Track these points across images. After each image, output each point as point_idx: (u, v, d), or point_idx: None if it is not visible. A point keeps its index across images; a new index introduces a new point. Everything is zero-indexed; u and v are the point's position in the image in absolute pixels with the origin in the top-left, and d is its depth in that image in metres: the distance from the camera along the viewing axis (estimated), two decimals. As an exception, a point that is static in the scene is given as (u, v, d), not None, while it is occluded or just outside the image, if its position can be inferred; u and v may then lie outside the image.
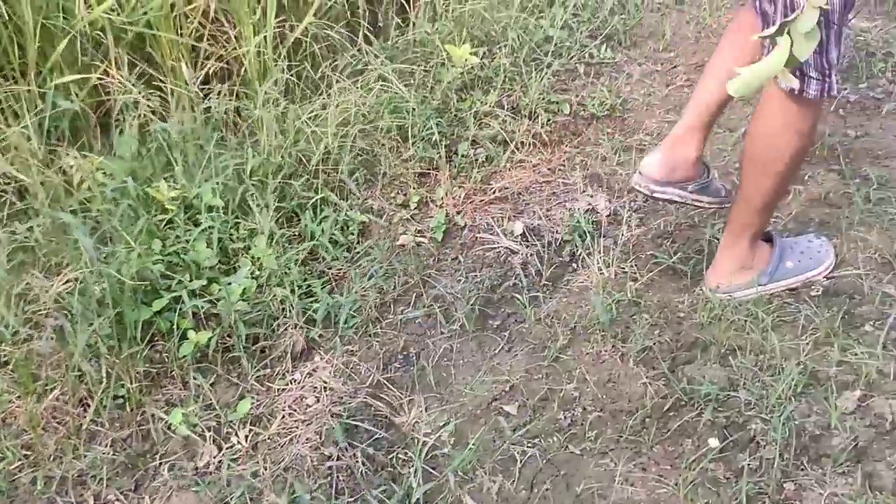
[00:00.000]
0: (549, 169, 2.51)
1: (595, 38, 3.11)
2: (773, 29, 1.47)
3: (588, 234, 2.24)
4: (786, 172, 1.78)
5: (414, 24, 2.78)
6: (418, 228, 2.31)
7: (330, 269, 2.17)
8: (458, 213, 2.34)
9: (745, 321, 1.91)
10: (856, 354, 1.79)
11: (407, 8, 2.82)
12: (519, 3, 2.98)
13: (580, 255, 2.21)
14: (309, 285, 2.09)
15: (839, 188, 2.37)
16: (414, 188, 2.39)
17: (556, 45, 2.99)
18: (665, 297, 2.06)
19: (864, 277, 2.01)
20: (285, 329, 1.97)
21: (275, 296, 1.98)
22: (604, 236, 2.27)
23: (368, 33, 2.71)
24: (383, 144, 2.46)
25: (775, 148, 1.76)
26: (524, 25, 2.93)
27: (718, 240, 2.03)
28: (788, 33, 1.44)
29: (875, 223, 2.20)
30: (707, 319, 1.93)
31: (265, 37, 2.39)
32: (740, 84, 1.49)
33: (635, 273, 2.13)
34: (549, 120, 2.68)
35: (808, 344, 1.84)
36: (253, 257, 2.06)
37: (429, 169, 2.47)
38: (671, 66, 3.04)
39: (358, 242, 2.23)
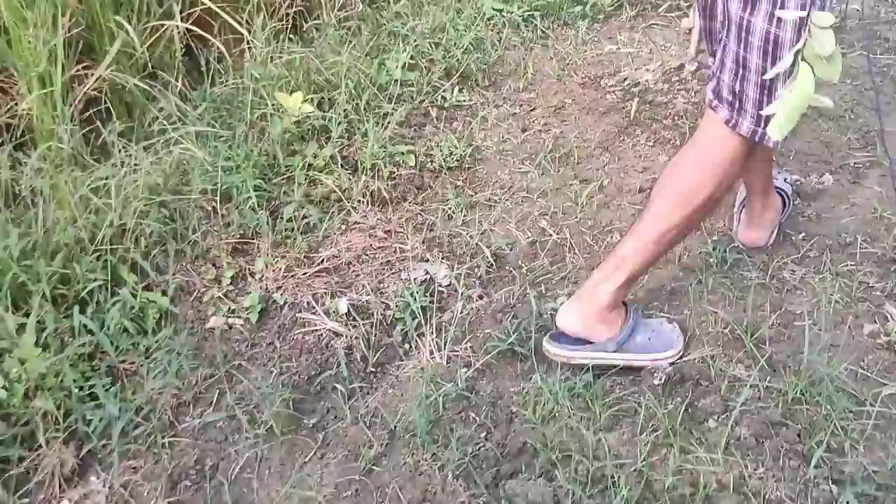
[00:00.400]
0: (386, 232, 2.26)
1: (450, 77, 2.89)
2: (786, 61, 1.44)
3: (422, 311, 2.01)
4: (696, 211, 1.69)
5: (230, 71, 2.50)
6: (232, 308, 2.04)
7: (122, 363, 1.87)
8: (279, 288, 2.08)
9: (580, 418, 1.70)
10: (696, 458, 1.60)
11: (225, 55, 2.53)
12: (361, 43, 2.73)
13: (412, 335, 1.97)
14: (92, 386, 1.79)
15: (696, 247, 2.20)
16: (229, 261, 2.12)
17: (405, 87, 2.76)
18: (500, 386, 1.84)
19: (713, 359, 1.83)
20: (52, 445, 1.67)
21: (37, 407, 1.67)
22: (441, 311, 2.05)
23: (185, 83, 2.42)
24: (198, 209, 2.17)
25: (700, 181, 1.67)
26: (366, 68, 2.68)
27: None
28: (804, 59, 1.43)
29: (729, 290, 2.03)
30: (538, 417, 1.72)
31: (52, 91, 2.08)
32: (779, 127, 1.46)
33: (470, 357, 1.91)
34: (391, 174, 2.44)
35: (646, 445, 1.64)
36: (20, 359, 1.75)
37: (249, 237, 2.20)
38: (530, 108, 2.84)
39: (157, 329, 1.94)
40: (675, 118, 2.64)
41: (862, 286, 2.04)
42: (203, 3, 2.46)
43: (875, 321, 1.94)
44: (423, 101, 2.79)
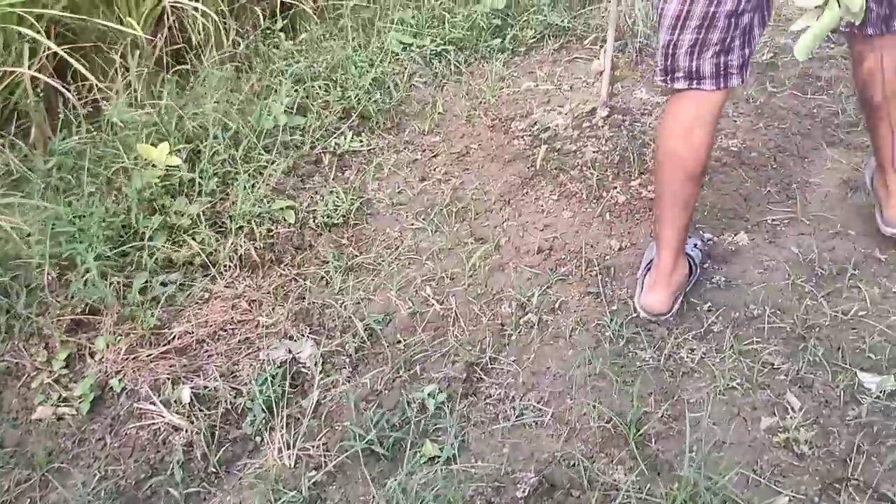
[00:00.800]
0: (251, 302, 2.05)
1: (348, 119, 2.68)
2: None
3: (278, 398, 1.79)
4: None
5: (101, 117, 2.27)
6: (63, 396, 1.81)
7: (-77, 466, 1.64)
8: (118, 372, 1.85)
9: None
10: None
11: (83, 103, 2.30)
12: (246, 85, 2.52)
13: (262, 428, 1.75)
14: None
15: (593, 318, 2.00)
16: (64, 339, 1.89)
17: (295, 133, 2.54)
18: (350, 493, 1.62)
19: (591, 461, 1.63)
20: None
21: None
22: (303, 396, 1.83)
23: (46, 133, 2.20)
24: (35, 280, 1.95)
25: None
26: (248, 113, 2.46)
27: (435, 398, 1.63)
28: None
29: (618, 374, 1.83)
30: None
31: None
32: (804, 48, 1.59)
33: (322, 457, 1.69)
34: (268, 232, 2.23)
35: (499, 576, 1.43)
36: None
37: (94, 311, 1.97)
38: (432, 153, 2.64)
39: (-31, 424, 1.71)
40: (583, 168, 2.44)
41: (766, 368, 1.85)
42: (72, 40, 2.23)
43: (774, 413, 1.74)
44: (315, 146, 2.57)
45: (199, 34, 2.41)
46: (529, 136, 2.63)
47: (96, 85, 2.19)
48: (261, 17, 2.69)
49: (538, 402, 1.78)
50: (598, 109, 2.54)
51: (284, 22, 2.83)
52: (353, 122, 2.70)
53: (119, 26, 2.21)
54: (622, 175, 2.43)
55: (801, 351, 1.89)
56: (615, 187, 2.40)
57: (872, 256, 2.14)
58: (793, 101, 2.85)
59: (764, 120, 2.73)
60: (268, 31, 2.75)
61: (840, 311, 1.98)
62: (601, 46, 2.73)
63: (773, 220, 2.32)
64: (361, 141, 2.64)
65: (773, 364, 1.86)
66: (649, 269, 2.02)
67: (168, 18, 2.46)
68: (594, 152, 2.48)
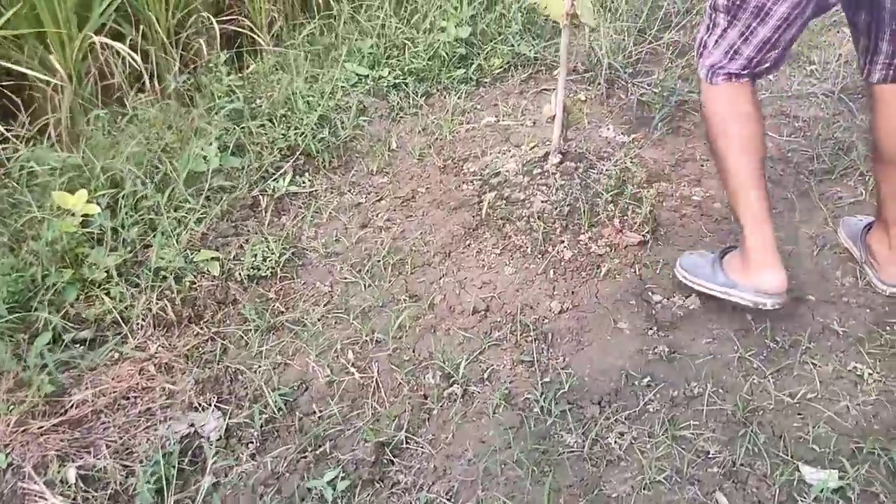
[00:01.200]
0: (159, 366, 1.93)
1: (292, 158, 2.56)
2: None
3: (171, 478, 1.67)
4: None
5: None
6: (-56, 471, 1.70)
7: None
8: (6, 446, 1.74)
9: None
10: None
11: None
12: (181, 123, 2.40)
13: (151, 513, 1.64)
14: None
15: (522, 391, 1.87)
16: (-48, 409, 1.78)
17: (232, 175, 2.42)
18: None
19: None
20: None
21: None
22: (201, 474, 1.71)
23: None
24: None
25: None
26: (180, 153, 2.35)
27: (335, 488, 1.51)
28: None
29: (536, 465, 1.70)
30: None
31: None
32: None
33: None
34: (190, 286, 2.11)
35: None
36: None
37: (-12, 375, 1.86)
38: (377, 197, 2.51)
39: None
40: (530, 220, 2.30)
41: (700, 458, 1.71)
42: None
43: (701, 515, 1.60)
44: (253, 189, 2.45)
45: (125, 72, 2.29)
46: (480, 180, 2.50)
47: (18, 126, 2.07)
48: (204, 49, 2.57)
49: (446, 495, 1.65)
50: (550, 156, 2.40)
51: (229, 54, 2.70)
52: (298, 161, 2.58)
53: (38, 73, 2.09)
54: (570, 228, 2.29)
55: (741, 437, 1.74)
56: (562, 241, 2.26)
57: (830, 328, 2.00)
58: (767, 143, 2.69)
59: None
60: (212, 66, 2.63)
61: (787, 393, 1.83)
62: (552, 89, 2.57)
63: (729, 281, 2.16)
64: (304, 182, 2.52)
65: (707, 453, 1.72)
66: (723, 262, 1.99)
67: (101, 54, 2.35)
68: (543, 202, 2.34)
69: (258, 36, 2.81)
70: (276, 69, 2.81)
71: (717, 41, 1.83)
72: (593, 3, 3.27)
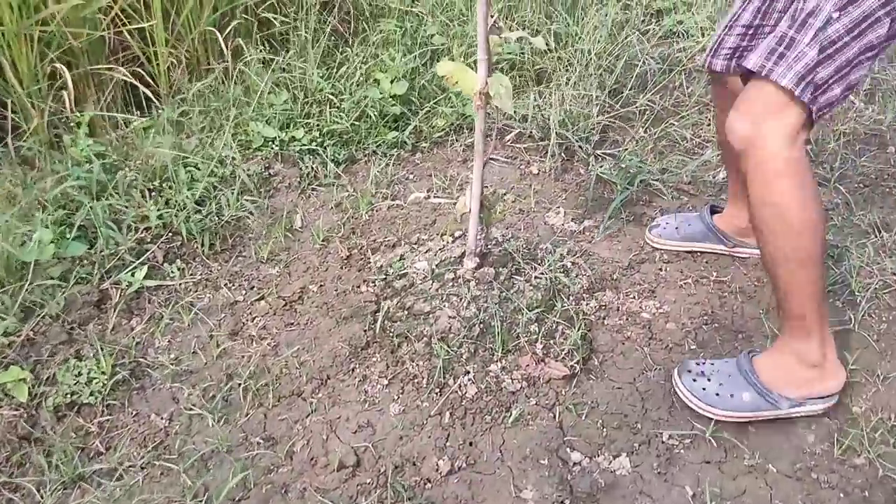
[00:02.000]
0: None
1: (157, 241, 2.12)
2: None
3: None
4: None
5: None
6: None
7: None
8: None
9: None
10: None
11: None
12: (22, 199, 1.97)
13: None
14: None
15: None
16: None
17: (76, 265, 1.99)
18: None
19: None
20: None
21: None
22: None
23: None
24: None
25: None
26: (10, 236, 1.92)
27: None
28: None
29: None
30: None
31: None
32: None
33: None
34: (-13, 414, 1.67)
35: None
36: None
37: None
38: (258, 295, 2.06)
39: None
40: (432, 341, 1.85)
41: None
42: None
43: None
44: (104, 280, 2.01)
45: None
46: (383, 280, 2.04)
47: None
48: (68, 100, 2.15)
49: None
50: (466, 259, 1.94)
51: (93, 112, 2.27)
52: (172, 244, 2.15)
53: None
54: (480, 354, 1.84)
55: None
56: (467, 372, 1.80)
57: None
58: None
59: (696, 272, 2.12)
60: (73, 125, 2.21)
61: None
62: (462, 185, 2.09)
63: (673, 436, 1.70)
64: (171, 273, 2.08)
65: None
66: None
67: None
68: (450, 318, 1.88)
69: (147, 87, 2.39)
70: (162, 128, 2.38)
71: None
72: (551, 61, 2.83)
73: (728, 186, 2.15)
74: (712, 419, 1.69)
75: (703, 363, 1.76)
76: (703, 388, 1.70)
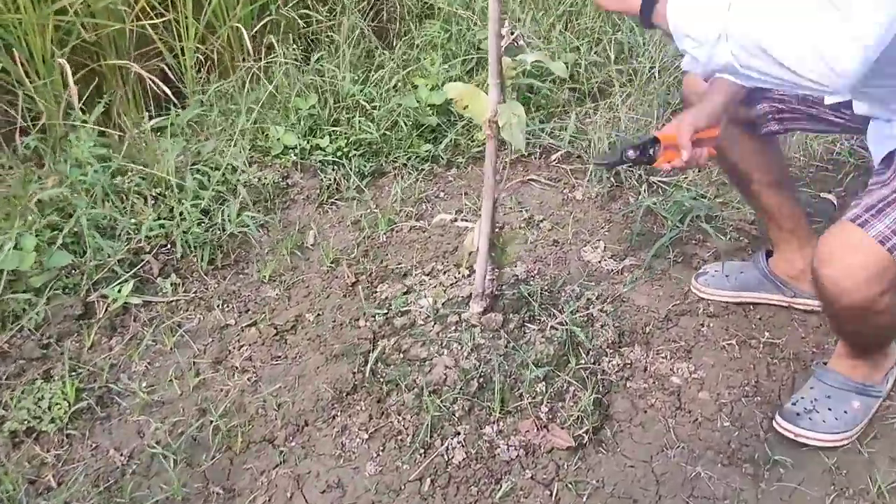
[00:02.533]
0: None
1: (145, 255, 1.99)
2: None
3: None
4: None
5: None
6: None
7: None
8: None
9: None
10: None
11: None
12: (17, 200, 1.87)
13: None
14: None
15: None
16: None
17: (63, 275, 1.88)
18: None
19: None
20: None
21: None
22: None
23: None
24: None
25: None
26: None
27: None
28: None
29: None
30: None
31: None
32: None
33: None
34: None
35: None
36: None
37: None
38: (251, 320, 1.91)
39: None
40: (423, 393, 1.64)
41: None
42: None
43: None
44: (90, 294, 1.89)
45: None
46: (384, 315, 1.85)
47: None
48: (75, 97, 2.03)
49: None
50: (472, 303, 1.73)
51: (92, 112, 2.15)
52: (170, 257, 2.01)
53: None
54: (475, 413, 1.62)
55: None
56: (457, 433, 1.60)
57: None
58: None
59: (744, 331, 1.85)
60: (78, 123, 2.09)
61: None
62: (461, 214, 1.84)
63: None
64: (163, 289, 1.94)
65: None
66: None
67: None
68: (447, 367, 1.67)
69: (169, 84, 2.25)
70: (180, 129, 2.24)
71: None
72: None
73: (767, 232, 1.90)
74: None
75: (796, 400, 1.60)
76: (824, 421, 1.56)
